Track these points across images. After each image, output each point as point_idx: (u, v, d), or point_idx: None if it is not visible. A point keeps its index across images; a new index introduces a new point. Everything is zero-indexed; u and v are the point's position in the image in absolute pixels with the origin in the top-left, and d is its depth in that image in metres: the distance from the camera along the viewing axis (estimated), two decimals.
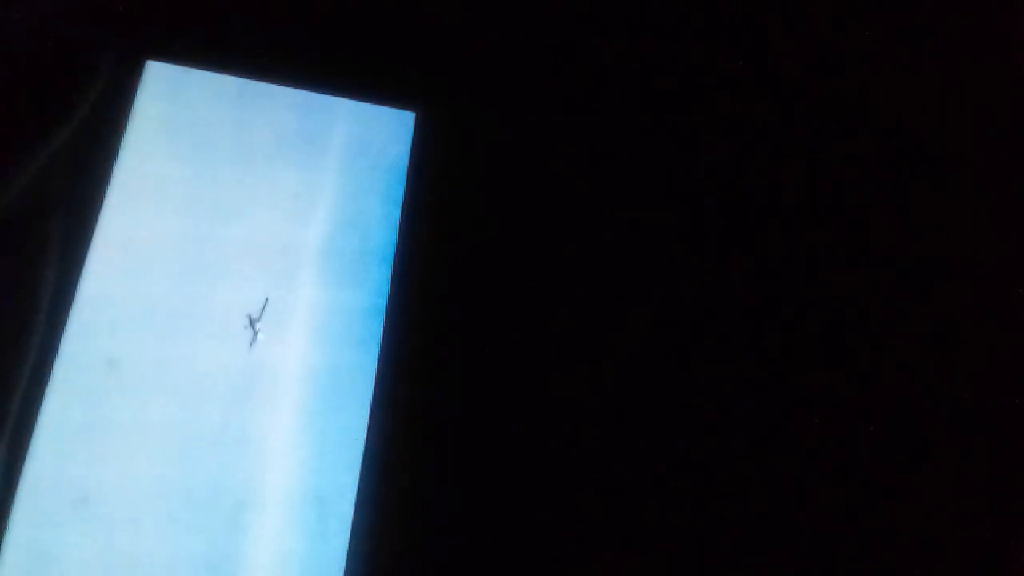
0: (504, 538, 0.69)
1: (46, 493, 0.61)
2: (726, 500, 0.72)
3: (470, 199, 0.78)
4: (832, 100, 0.87)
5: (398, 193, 0.74)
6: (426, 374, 0.72)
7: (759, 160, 0.84)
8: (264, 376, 0.67)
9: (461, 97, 0.80)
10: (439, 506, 0.69)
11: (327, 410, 0.68)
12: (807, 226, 0.82)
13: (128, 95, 0.71)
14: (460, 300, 0.75)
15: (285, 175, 0.72)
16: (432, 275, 0.74)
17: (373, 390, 0.69)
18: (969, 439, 0.77)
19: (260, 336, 0.66)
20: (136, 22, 0.74)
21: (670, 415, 0.74)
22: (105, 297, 0.66)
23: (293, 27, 0.78)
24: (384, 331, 0.70)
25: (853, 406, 0.76)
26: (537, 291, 0.76)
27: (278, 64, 0.76)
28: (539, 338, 0.74)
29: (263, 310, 0.67)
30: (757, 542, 0.72)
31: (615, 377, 0.74)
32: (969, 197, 0.86)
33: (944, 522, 0.74)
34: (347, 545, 0.65)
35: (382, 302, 0.71)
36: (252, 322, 0.66)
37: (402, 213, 0.74)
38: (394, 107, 0.77)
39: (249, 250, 0.70)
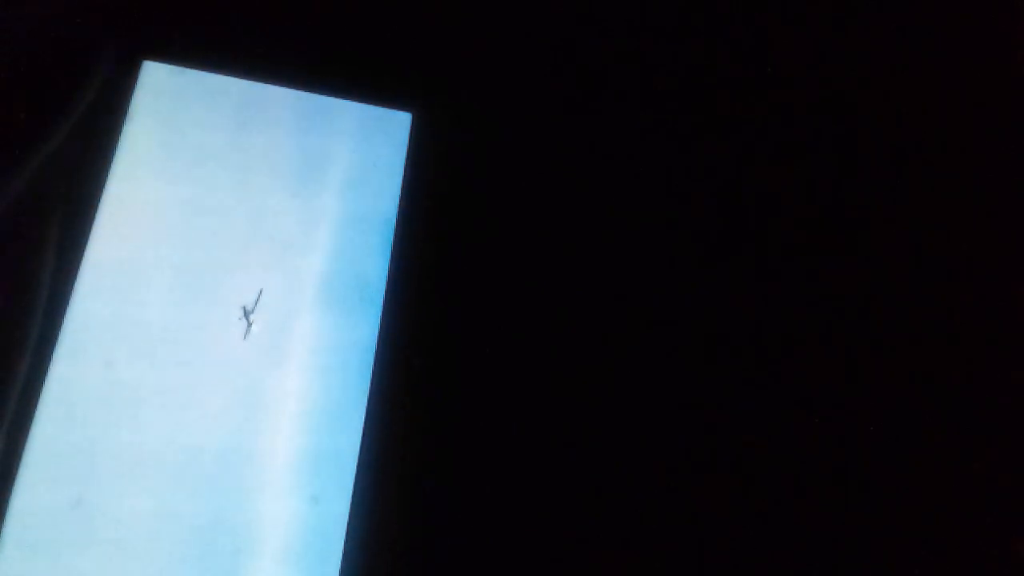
0: (504, 538, 0.69)
1: (43, 492, 0.61)
2: (726, 500, 0.72)
3: (466, 199, 0.78)
4: (832, 100, 0.87)
5: (395, 193, 0.74)
6: (423, 374, 0.72)
7: (759, 160, 0.84)
8: (260, 376, 0.67)
9: (457, 98, 0.80)
10: (438, 506, 0.69)
11: (328, 409, 0.68)
12: (807, 226, 0.82)
13: (125, 95, 0.71)
14: (457, 300, 0.75)
15: (284, 175, 0.72)
16: (429, 276, 0.74)
17: (369, 390, 0.69)
18: (969, 439, 0.77)
19: (253, 328, 0.66)
20: (133, 23, 0.74)
21: (670, 415, 0.74)
22: (102, 298, 0.66)
23: (289, 29, 0.78)
24: (380, 333, 0.71)
25: (853, 406, 0.76)
26: (534, 290, 0.76)
27: (274, 65, 0.76)
28: (538, 338, 0.74)
29: (257, 302, 0.67)
30: (757, 542, 0.71)
31: (615, 377, 0.74)
32: (969, 197, 0.86)
33: (944, 522, 0.74)
34: (343, 541, 0.65)
35: (379, 304, 0.71)
36: (246, 313, 0.66)
37: (398, 213, 0.74)
38: (390, 108, 0.77)
39: (245, 246, 0.70)
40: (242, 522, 0.63)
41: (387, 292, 0.72)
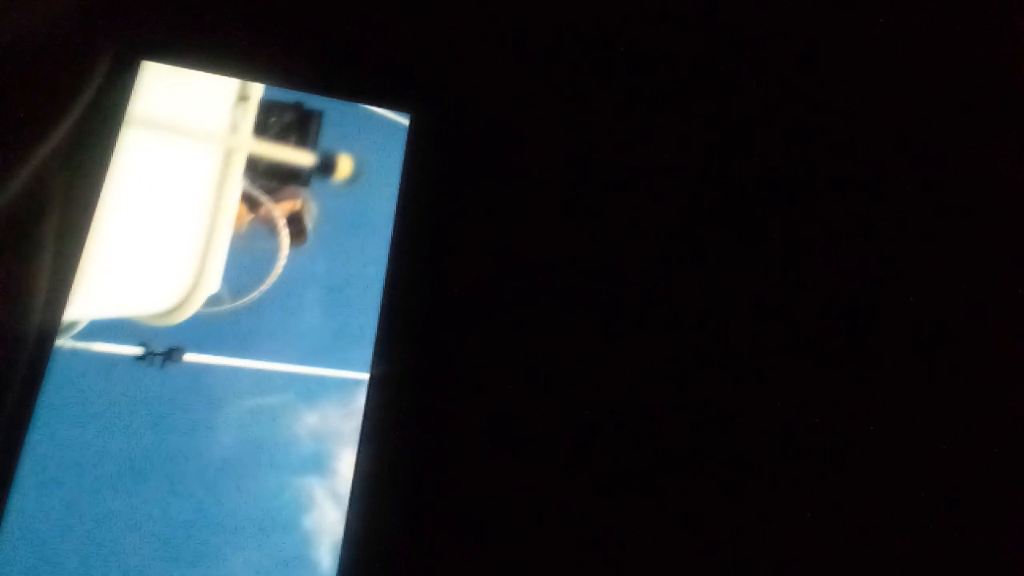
0: (505, 536, 0.69)
1: (42, 492, 0.61)
2: (726, 499, 0.72)
3: (464, 198, 0.78)
4: (832, 100, 0.87)
5: (393, 192, 0.75)
6: (422, 373, 0.72)
7: (759, 160, 0.84)
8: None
9: (456, 99, 0.80)
10: (435, 505, 0.69)
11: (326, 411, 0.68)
12: (806, 226, 0.82)
13: (124, 95, 0.72)
14: (455, 297, 0.75)
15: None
16: (427, 273, 0.74)
17: (367, 392, 0.70)
18: (969, 439, 0.76)
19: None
20: (132, 24, 0.75)
21: (669, 414, 0.74)
22: (102, 299, 0.66)
23: (289, 30, 0.79)
24: (379, 330, 0.71)
25: (853, 406, 0.76)
26: (532, 287, 0.76)
27: (274, 66, 0.76)
28: (535, 332, 0.74)
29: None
30: (757, 541, 0.71)
31: (616, 376, 0.74)
32: (970, 196, 0.86)
33: (944, 522, 0.74)
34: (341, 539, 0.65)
35: (377, 304, 0.72)
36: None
37: (396, 212, 0.75)
38: (389, 108, 0.77)
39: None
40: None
41: (385, 292, 0.72)
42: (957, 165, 0.86)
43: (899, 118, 0.87)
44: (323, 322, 0.70)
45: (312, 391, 0.68)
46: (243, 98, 0.75)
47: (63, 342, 0.64)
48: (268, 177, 0.74)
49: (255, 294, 0.70)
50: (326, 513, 0.65)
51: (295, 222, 0.73)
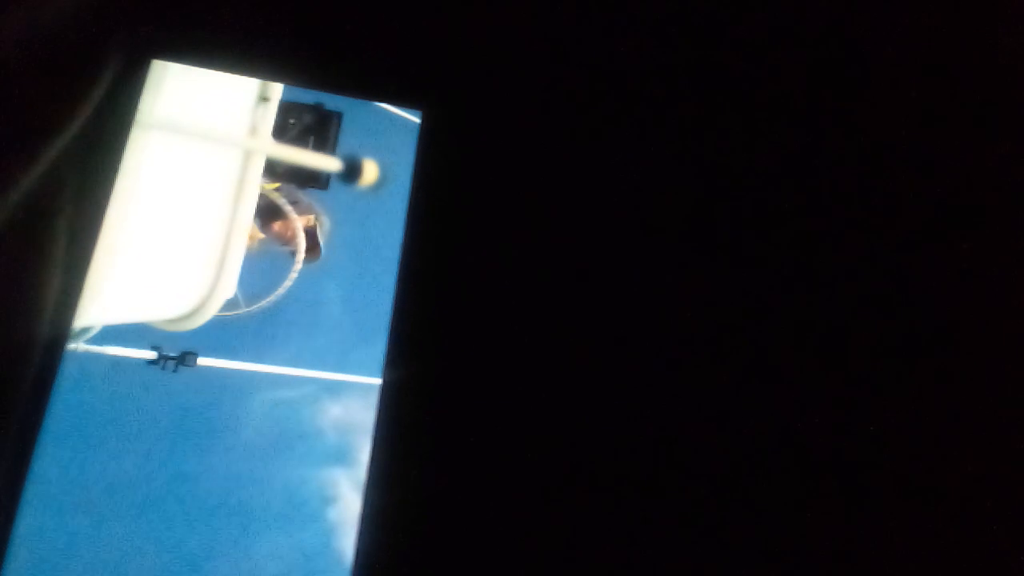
0: (518, 540, 0.67)
1: (53, 493, 0.61)
2: (726, 500, 0.70)
3: (475, 192, 0.77)
4: (831, 100, 0.85)
5: (404, 189, 0.74)
6: (432, 373, 0.71)
7: (764, 160, 0.82)
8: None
9: (467, 95, 0.79)
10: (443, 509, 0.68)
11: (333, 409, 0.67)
12: (806, 226, 0.80)
13: (134, 94, 0.71)
14: (464, 294, 0.74)
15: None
16: (438, 269, 0.73)
17: (380, 393, 0.68)
18: (969, 439, 0.74)
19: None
20: (142, 22, 0.74)
21: (670, 414, 0.72)
22: (117, 300, 0.66)
23: (300, 27, 0.78)
24: (392, 323, 0.70)
25: (853, 406, 0.74)
26: (540, 281, 0.75)
27: (285, 64, 0.75)
28: (544, 330, 0.73)
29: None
30: (757, 541, 0.69)
31: (629, 381, 0.73)
32: (969, 196, 0.84)
33: (944, 522, 0.72)
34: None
35: (389, 296, 0.71)
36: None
37: (408, 207, 0.73)
38: (401, 105, 0.76)
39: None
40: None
41: (398, 286, 0.71)
42: (960, 165, 0.84)
43: (898, 118, 0.86)
44: (337, 324, 0.69)
45: (331, 385, 0.68)
46: (263, 99, 0.74)
47: (76, 346, 0.64)
48: (288, 180, 0.73)
49: (270, 299, 0.69)
50: (349, 505, 0.65)
51: (309, 237, 0.72)
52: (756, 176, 0.81)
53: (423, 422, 0.69)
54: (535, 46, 0.82)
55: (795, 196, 0.81)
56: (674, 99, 0.83)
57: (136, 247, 0.68)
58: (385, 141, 0.75)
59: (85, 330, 0.65)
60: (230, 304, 0.68)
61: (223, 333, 0.67)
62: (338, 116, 0.75)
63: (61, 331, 0.65)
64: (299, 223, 0.72)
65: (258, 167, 0.73)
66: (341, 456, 0.66)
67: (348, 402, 0.68)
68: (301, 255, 0.71)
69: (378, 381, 0.69)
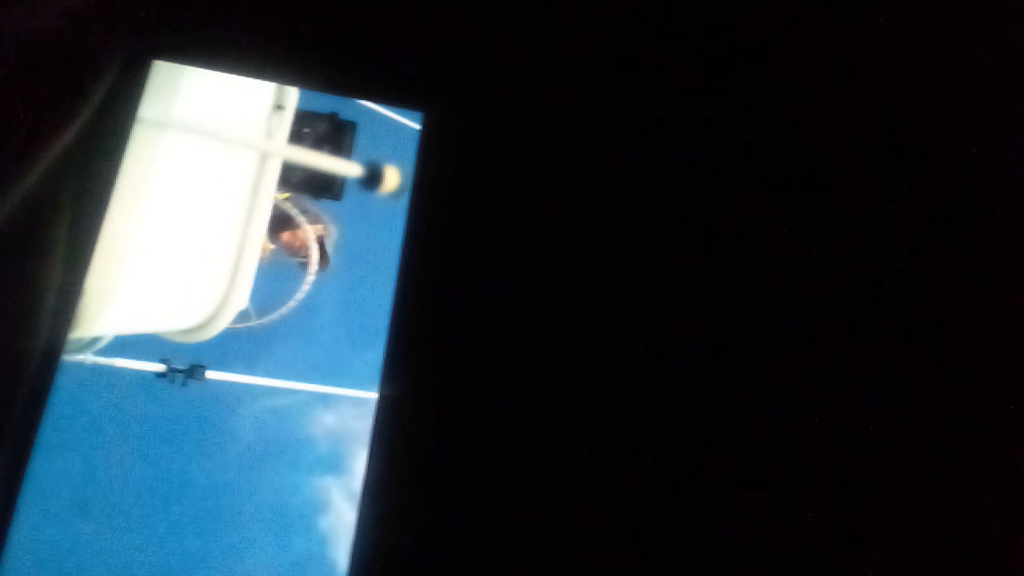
0: (515, 549, 0.66)
1: (48, 495, 0.61)
2: (725, 500, 0.69)
3: (476, 194, 0.76)
4: (831, 100, 0.84)
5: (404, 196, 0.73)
6: (432, 371, 0.70)
7: (764, 160, 0.80)
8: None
9: (468, 97, 0.78)
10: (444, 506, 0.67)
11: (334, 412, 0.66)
12: (806, 226, 0.79)
13: (135, 94, 0.71)
14: (464, 292, 0.73)
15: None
16: (437, 269, 0.72)
17: (380, 390, 0.67)
18: (969, 439, 0.73)
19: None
20: (143, 23, 0.74)
21: (670, 414, 0.71)
22: (127, 311, 0.66)
23: (301, 29, 0.77)
24: (391, 326, 0.69)
25: (853, 406, 0.73)
26: (541, 282, 0.74)
27: (286, 65, 0.75)
28: (550, 343, 0.72)
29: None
30: (757, 541, 0.68)
31: (624, 395, 0.71)
32: (969, 196, 0.82)
33: (944, 521, 0.70)
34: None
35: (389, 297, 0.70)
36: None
37: (409, 208, 0.72)
38: (402, 107, 0.75)
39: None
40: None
41: (398, 286, 0.70)
42: (961, 166, 0.83)
43: (899, 118, 0.84)
44: (339, 337, 0.68)
45: (327, 399, 0.67)
46: (279, 107, 0.74)
47: (84, 357, 0.64)
48: (302, 190, 0.72)
49: (281, 311, 0.68)
50: (342, 514, 0.64)
51: (319, 247, 0.71)
52: (757, 178, 0.80)
53: (421, 436, 0.68)
54: (537, 49, 0.81)
55: (795, 196, 0.80)
56: (676, 103, 0.81)
57: (149, 255, 0.68)
58: (388, 150, 0.74)
59: (95, 340, 0.65)
60: (242, 316, 0.68)
61: (231, 345, 0.67)
62: (352, 126, 0.74)
63: (58, 336, 0.64)
64: (312, 233, 0.71)
65: (273, 175, 0.72)
66: (335, 466, 0.65)
67: (343, 414, 0.67)
68: (314, 266, 0.70)
69: (374, 395, 0.68)
